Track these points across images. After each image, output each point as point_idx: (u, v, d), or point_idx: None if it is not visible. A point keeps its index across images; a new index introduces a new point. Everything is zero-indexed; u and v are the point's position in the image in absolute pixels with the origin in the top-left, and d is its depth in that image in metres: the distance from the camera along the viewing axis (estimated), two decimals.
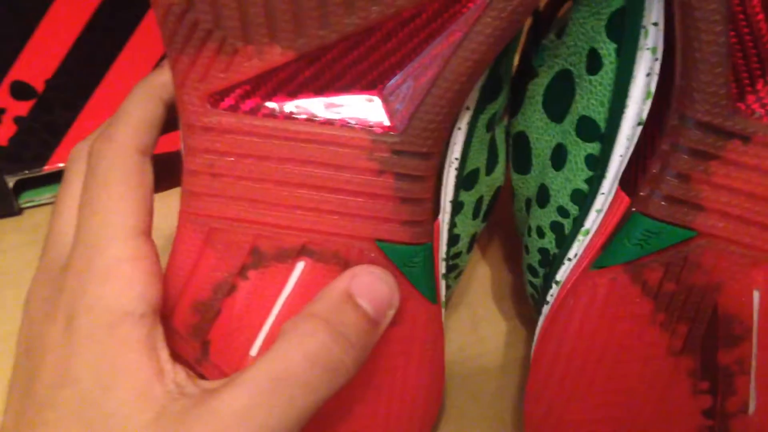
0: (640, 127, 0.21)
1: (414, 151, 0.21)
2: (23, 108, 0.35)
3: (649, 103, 0.21)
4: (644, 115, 0.21)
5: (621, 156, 0.22)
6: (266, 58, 0.20)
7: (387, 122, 0.21)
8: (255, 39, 0.20)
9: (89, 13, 0.33)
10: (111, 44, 0.34)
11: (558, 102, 0.25)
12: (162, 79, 0.23)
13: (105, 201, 0.21)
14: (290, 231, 0.21)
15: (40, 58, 0.34)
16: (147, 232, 0.21)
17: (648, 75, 0.21)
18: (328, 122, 0.21)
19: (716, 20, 0.19)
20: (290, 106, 0.21)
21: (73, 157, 0.24)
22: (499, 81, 0.24)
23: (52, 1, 0.32)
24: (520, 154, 0.27)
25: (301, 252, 0.21)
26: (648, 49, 0.21)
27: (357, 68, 0.21)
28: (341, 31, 0.20)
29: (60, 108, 0.35)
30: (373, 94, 0.21)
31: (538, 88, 0.26)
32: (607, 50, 0.22)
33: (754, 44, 0.19)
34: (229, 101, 0.21)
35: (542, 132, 0.25)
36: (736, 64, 0.19)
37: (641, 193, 0.20)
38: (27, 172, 0.36)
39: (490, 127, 0.25)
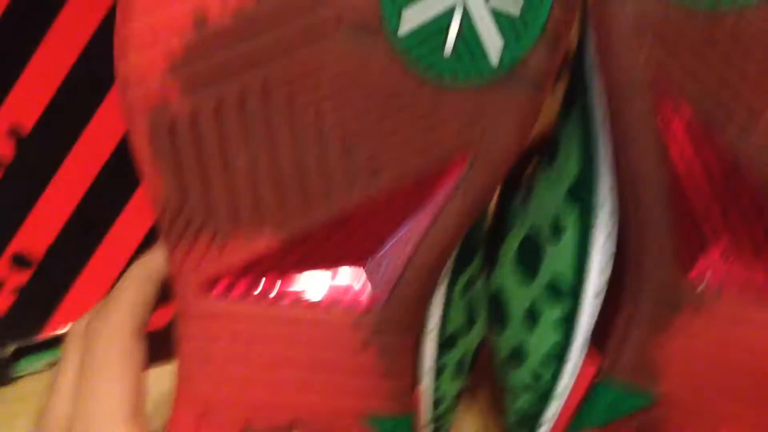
0: (603, 294, 0.23)
1: (395, 325, 0.23)
2: (22, 278, 0.36)
3: (608, 270, 0.23)
4: (605, 281, 0.23)
5: (588, 321, 0.23)
6: (255, 245, 0.22)
7: (368, 299, 0.23)
8: (244, 228, 0.22)
9: (90, 179, 0.35)
10: (110, 209, 0.36)
11: (529, 263, 0.26)
12: (156, 261, 0.25)
13: (102, 383, 0.23)
14: (280, 409, 0.22)
15: (41, 228, 0.36)
16: (141, 411, 0.22)
17: (606, 244, 0.23)
18: (313, 302, 0.23)
19: (660, 195, 0.21)
20: (278, 287, 0.23)
21: (72, 336, 0.25)
22: (472, 247, 0.26)
23: (54, 173, 0.34)
24: (497, 311, 0.28)
25: (291, 428, 0.22)
26: (604, 218, 0.23)
27: (339, 249, 0.23)
28: (323, 217, 0.22)
29: (58, 274, 0.37)
30: (355, 273, 0.23)
31: (510, 247, 0.27)
32: (568, 217, 0.24)
33: (697, 217, 0.21)
34: (220, 287, 0.23)
35: (516, 291, 0.27)
36: (682, 236, 0.21)
37: (606, 360, 0.22)
38: (23, 341, 0.37)
39: (467, 290, 0.27)
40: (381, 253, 0.23)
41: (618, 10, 0.19)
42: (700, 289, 0.21)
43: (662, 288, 0.21)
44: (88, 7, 0.32)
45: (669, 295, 0.21)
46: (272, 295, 0.23)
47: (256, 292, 0.23)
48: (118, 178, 0.36)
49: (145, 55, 0.21)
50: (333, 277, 0.23)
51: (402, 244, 0.23)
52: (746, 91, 0.19)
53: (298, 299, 0.23)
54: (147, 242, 0.37)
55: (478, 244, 0.27)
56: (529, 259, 0.26)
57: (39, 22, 0.32)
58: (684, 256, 0.21)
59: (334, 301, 0.23)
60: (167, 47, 0.20)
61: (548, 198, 0.25)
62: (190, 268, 0.23)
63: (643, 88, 0.19)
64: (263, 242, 0.22)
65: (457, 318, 0.27)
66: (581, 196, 0.23)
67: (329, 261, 0.23)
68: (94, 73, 0.33)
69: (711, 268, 0.21)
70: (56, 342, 0.37)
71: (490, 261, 0.29)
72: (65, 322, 0.37)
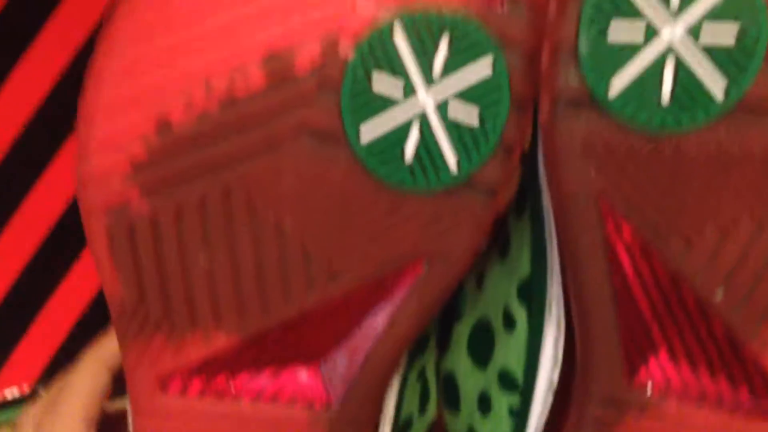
0: (554, 389, 0.24)
1: (352, 421, 0.23)
2: None
3: (558, 370, 0.23)
4: (555, 381, 0.23)
5: (539, 416, 0.24)
6: (212, 343, 0.22)
7: (325, 397, 0.23)
8: (202, 327, 0.22)
9: (35, 244, 0.35)
10: (53, 274, 0.36)
11: (481, 350, 0.27)
12: (110, 349, 0.25)
13: None
14: None
15: None
16: None
17: (555, 344, 0.23)
18: (270, 400, 0.23)
19: (606, 301, 0.22)
20: (235, 385, 0.23)
21: (22, 427, 0.25)
22: (426, 334, 0.27)
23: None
24: (450, 393, 0.29)
25: None
26: (553, 320, 0.23)
27: (296, 347, 0.23)
28: (281, 318, 0.22)
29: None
30: (312, 371, 0.23)
31: (463, 332, 0.28)
32: (519, 313, 0.25)
33: (641, 326, 0.22)
34: (177, 385, 0.23)
35: (469, 376, 0.28)
36: (626, 344, 0.22)
37: None
38: None
39: (420, 375, 0.27)
40: (337, 351, 0.23)
41: (567, 130, 0.20)
42: (645, 392, 0.22)
43: (609, 390, 0.22)
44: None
45: (615, 397, 0.22)
46: (229, 393, 0.23)
47: (212, 391, 0.23)
48: (65, 242, 0.36)
49: (106, 159, 0.21)
50: (290, 376, 0.23)
51: (358, 343, 0.23)
52: (685, 213, 0.20)
53: (254, 398, 0.23)
54: (91, 310, 0.37)
55: (431, 329, 0.27)
56: (481, 346, 0.27)
57: None
58: (630, 360, 0.22)
59: (290, 400, 0.23)
60: (129, 152, 0.21)
61: (500, 290, 0.25)
62: (146, 365, 0.23)
63: (589, 205, 0.20)
64: (220, 341, 0.22)
65: (412, 401, 0.27)
66: (531, 296, 0.24)
67: (286, 359, 0.23)
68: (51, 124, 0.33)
69: (656, 372, 0.22)
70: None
71: (442, 344, 0.29)
72: (6, 386, 0.36)
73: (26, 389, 0.36)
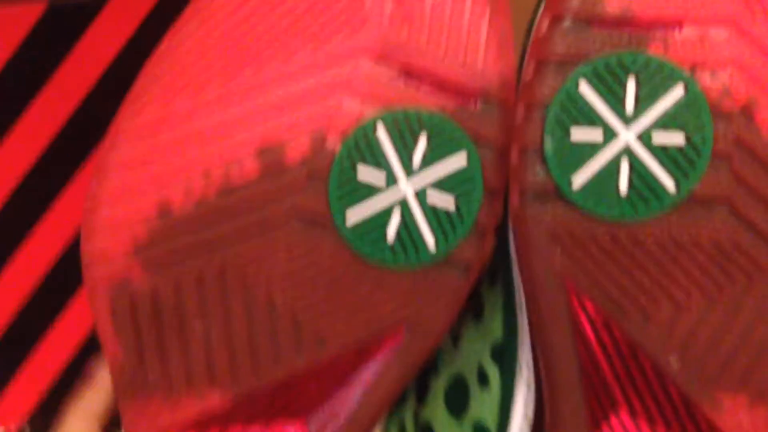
0: None
1: None
2: None
3: (527, 425, 0.25)
4: (528, 429, 0.25)
5: None
6: (206, 404, 0.24)
7: None
8: (197, 388, 0.24)
9: (23, 294, 0.36)
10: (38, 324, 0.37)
11: (456, 402, 0.29)
12: (96, 401, 0.26)
13: None
14: None
15: None
16: None
17: (525, 402, 0.25)
18: None
19: (572, 366, 0.23)
20: None
21: None
22: (405, 390, 0.29)
23: None
24: None
25: None
26: (523, 380, 0.25)
27: (284, 405, 0.25)
28: (272, 380, 0.24)
29: None
30: (298, 427, 0.25)
31: (439, 386, 0.30)
32: (492, 372, 0.27)
33: (603, 388, 0.24)
34: None
35: (445, 427, 0.29)
36: (590, 404, 0.24)
37: None
38: None
39: (401, 427, 0.29)
40: (323, 410, 0.25)
41: (535, 218, 0.22)
42: None
43: None
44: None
45: None
46: None
47: None
48: (56, 287, 0.37)
49: (110, 239, 0.22)
50: (278, 430, 0.25)
51: (343, 402, 0.25)
52: (642, 292, 0.22)
53: None
54: (81, 353, 0.38)
55: (411, 384, 0.29)
56: (457, 400, 0.29)
57: None
58: (594, 418, 0.24)
59: None
60: (132, 233, 0.22)
61: (475, 350, 0.27)
62: (143, 423, 0.24)
63: (555, 284, 0.22)
64: (214, 401, 0.24)
65: None
66: (504, 358, 0.26)
67: (276, 418, 0.25)
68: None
69: (618, 428, 0.24)
70: None
71: (420, 396, 0.31)
72: None
73: (13, 430, 0.37)
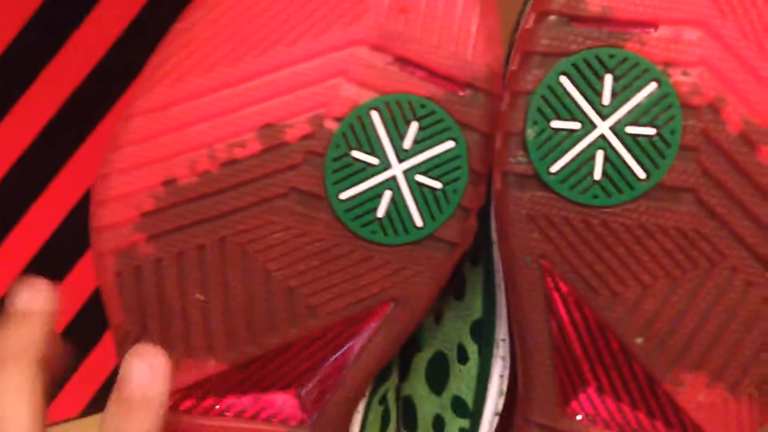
0: (497, 417, 0.27)
1: None
2: None
3: (502, 399, 0.27)
4: (499, 408, 0.27)
5: None
6: (203, 369, 0.25)
7: (300, 415, 0.26)
8: (195, 354, 0.25)
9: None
10: None
11: (437, 378, 0.30)
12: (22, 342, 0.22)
13: None
14: None
15: None
16: None
17: (501, 377, 0.27)
18: (251, 418, 0.26)
19: (544, 343, 0.25)
20: (221, 405, 0.26)
21: None
22: (388, 365, 0.30)
23: None
24: (408, 415, 0.32)
25: None
26: (500, 356, 0.27)
27: (277, 373, 0.26)
28: (266, 347, 0.26)
29: None
30: (290, 393, 0.27)
31: (421, 361, 0.31)
32: (471, 349, 0.28)
33: (573, 364, 0.25)
34: (170, 401, 0.26)
35: (425, 400, 0.31)
36: (561, 379, 0.25)
37: None
38: None
39: (382, 400, 0.31)
40: (313, 377, 0.26)
41: (515, 201, 0.23)
42: (576, 420, 0.25)
43: (545, 418, 0.25)
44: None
45: (550, 425, 0.25)
46: (216, 408, 0.26)
47: (201, 408, 0.26)
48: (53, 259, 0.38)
49: (119, 210, 0.24)
50: (270, 397, 0.26)
51: (332, 371, 0.26)
52: (611, 272, 0.24)
53: (238, 413, 0.26)
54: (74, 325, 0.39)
55: (393, 360, 0.31)
56: (438, 374, 0.30)
57: None
58: (564, 393, 0.25)
59: (270, 415, 0.26)
60: (139, 204, 0.24)
61: (455, 328, 0.29)
62: None
63: (533, 266, 0.24)
64: (212, 366, 0.25)
65: (374, 423, 0.31)
66: (483, 335, 0.27)
67: (269, 382, 0.26)
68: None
69: (586, 404, 0.26)
70: None
71: (402, 369, 0.33)
72: None
73: None
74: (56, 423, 0.36)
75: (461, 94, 0.23)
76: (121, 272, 0.25)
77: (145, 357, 0.21)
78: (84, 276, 0.37)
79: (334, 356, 0.26)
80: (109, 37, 0.35)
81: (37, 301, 0.23)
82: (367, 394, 0.29)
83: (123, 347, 0.25)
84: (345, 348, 0.26)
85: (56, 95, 0.35)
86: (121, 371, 0.21)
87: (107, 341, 0.36)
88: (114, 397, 0.21)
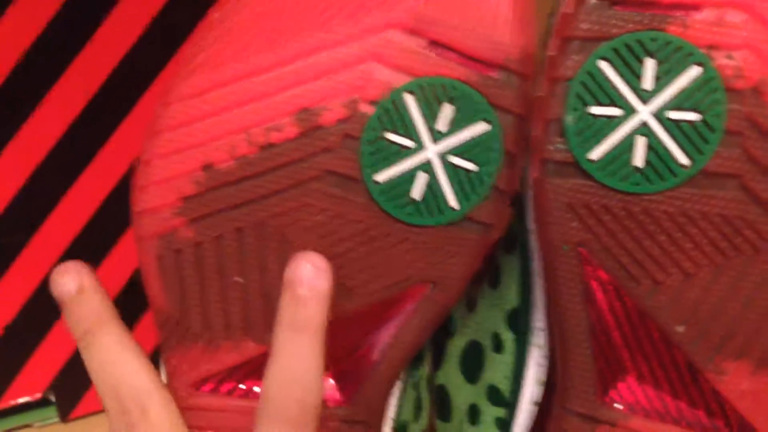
0: (538, 402, 0.27)
1: (359, 420, 0.26)
2: None
3: (541, 388, 0.27)
4: (537, 398, 0.27)
5: (522, 426, 0.27)
6: (242, 351, 0.26)
7: (337, 397, 0.27)
8: (234, 337, 0.26)
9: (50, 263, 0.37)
10: None
11: (471, 367, 0.30)
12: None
13: None
14: None
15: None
16: None
17: (538, 366, 0.27)
18: None
19: (583, 331, 0.25)
20: (259, 387, 0.26)
21: None
22: (421, 352, 0.30)
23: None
24: (442, 404, 0.32)
25: None
26: (537, 345, 0.27)
27: None
28: None
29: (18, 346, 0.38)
30: (327, 375, 0.27)
31: (455, 349, 0.31)
32: (507, 338, 0.28)
33: (612, 353, 0.25)
34: (210, 385, 0.26)
35: (459, 389, 0.31)
36: (600, 368, 0.25)
37: None
38: None
39: (415, 387, 0.31)
40: (351, 359, 0.27)
41: (554, 188, 0.23)
42: (615, 409, 0.25)
43: (584, 407, 0.25)
44: None
45: (589, 414, 0.25)
46: (253, 393, 0.26)
47: (240, 390, 0.26)
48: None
49: (159, 194, 0.24)
50: None
51: (368, 352, 0.26)
52: (653, 261, 0.23)
53: None
54: None
55: (426, 347, 0.31)
56: (473, 363, 0.30)
57: None
58: (603, 382, 0.25)
59: None
60: (179, 188, 0.24)
61: (490, 316, 0.29)
62: (185, 369, 0.26)
63: (571, 255, 0.23)
64: (251, 348, 0.26)
65: (408, 408, 0.31)
66: (519, 324, 0.27)
67: None
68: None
69: (626, 392, 0.25)
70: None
71: (435, 358, 0.33)
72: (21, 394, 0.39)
73: (38, 396, 0.38)
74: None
75: (495, 76, 0.23)
76: (162, 256, 0.25)
77: (309, 259, 0.24)
78: (119, 264, 0.37)
79: (371, 338, 0.26)
80: (133, 34, 0.35)
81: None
82: (401, 378, 0.29)
83: (164, 330, 0.26)
84: (381, 330, 0.26)
85: (91, 81, 0.36)
86: (288, 273, 0.24)
87: (141, 328, 0.36)
88: (286, 295, 0.24)
